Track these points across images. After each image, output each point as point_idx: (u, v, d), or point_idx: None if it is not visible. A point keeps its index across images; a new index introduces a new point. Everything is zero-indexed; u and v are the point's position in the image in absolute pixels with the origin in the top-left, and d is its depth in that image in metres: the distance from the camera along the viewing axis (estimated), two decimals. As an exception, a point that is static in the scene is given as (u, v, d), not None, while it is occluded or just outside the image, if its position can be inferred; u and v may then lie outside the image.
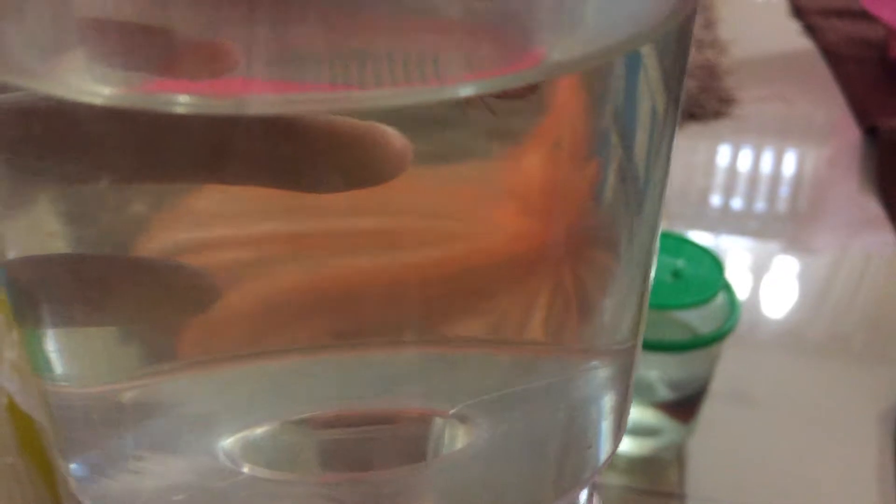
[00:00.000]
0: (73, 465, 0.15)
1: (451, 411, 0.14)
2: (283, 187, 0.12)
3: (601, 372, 0.16)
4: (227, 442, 0.14)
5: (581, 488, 0.17)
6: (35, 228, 0.13)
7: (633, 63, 0.13)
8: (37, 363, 0.14)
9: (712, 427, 0.52)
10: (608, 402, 0.17)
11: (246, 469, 0.14)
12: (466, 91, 0.12)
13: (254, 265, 0.13)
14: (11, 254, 0.13)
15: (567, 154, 0.13)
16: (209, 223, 0.12)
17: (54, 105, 0.11)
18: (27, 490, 0.36)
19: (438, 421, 0.14)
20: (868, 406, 0.56)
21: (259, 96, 0.11)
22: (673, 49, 0.14)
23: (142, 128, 0.11)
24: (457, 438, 0.15)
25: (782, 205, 0.81)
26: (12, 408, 0.36)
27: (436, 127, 0.12)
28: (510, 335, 0.14)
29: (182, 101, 0.11)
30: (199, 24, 0.11)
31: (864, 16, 1.11)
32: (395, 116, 0.12)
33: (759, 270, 0.71)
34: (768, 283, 0.69)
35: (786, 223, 0.77)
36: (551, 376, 0.15)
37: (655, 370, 0.48)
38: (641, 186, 0.14)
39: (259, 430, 0.14)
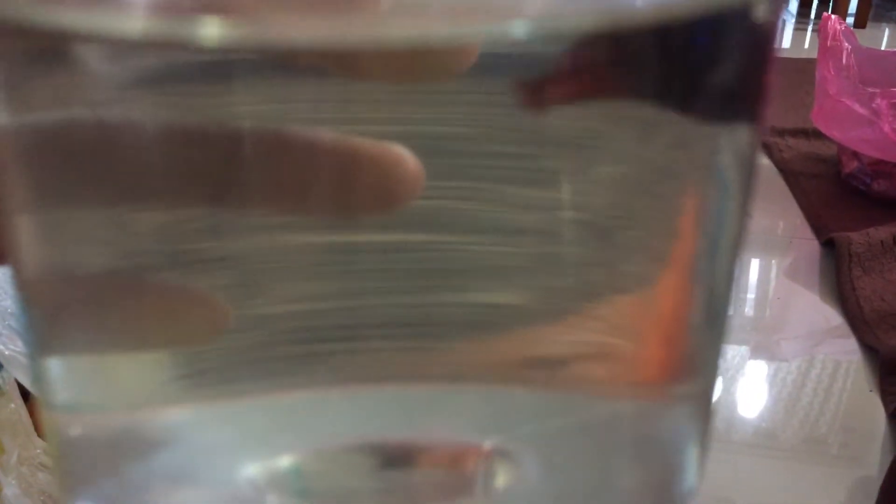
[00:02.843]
0: (81, 503, 0.14)
1: (495, 446, 0.14)
2: (302, 211, 0.12)
3: (687, 404, 0.15)
4: (252, 470, 0.14)
5: None
6: (61, 249, 0.13)
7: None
8: (50, 393, 0.14)
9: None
10: (692, 431, 0.16)
11: (271, 499, 0.14)
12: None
13: (293, 295, 0.13)
14: (36, 275, 0.13)
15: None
16: (232, 248, 0.12)
17: (85, 124, 0.12)
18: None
19: (482, 456, 0.14)
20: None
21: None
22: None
23: (167, 145, 0.12)
24: (505, 475, 0.14)
25: (751, 313, 0.83)
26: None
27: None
28: (586, 382, 0.14)
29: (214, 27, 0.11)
30: None
31: (816, 134, 1.17)
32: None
33: (732, 374, 0.72)
34: (742, 386, 0.70)
35: (754, 331, 0.79)
36: (628, 414, 0.15)
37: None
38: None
39: (285, 460, 0.14)
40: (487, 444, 0.14)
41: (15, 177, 0.13)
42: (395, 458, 0.14)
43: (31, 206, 0.13)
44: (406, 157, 0.12)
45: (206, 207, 0.12)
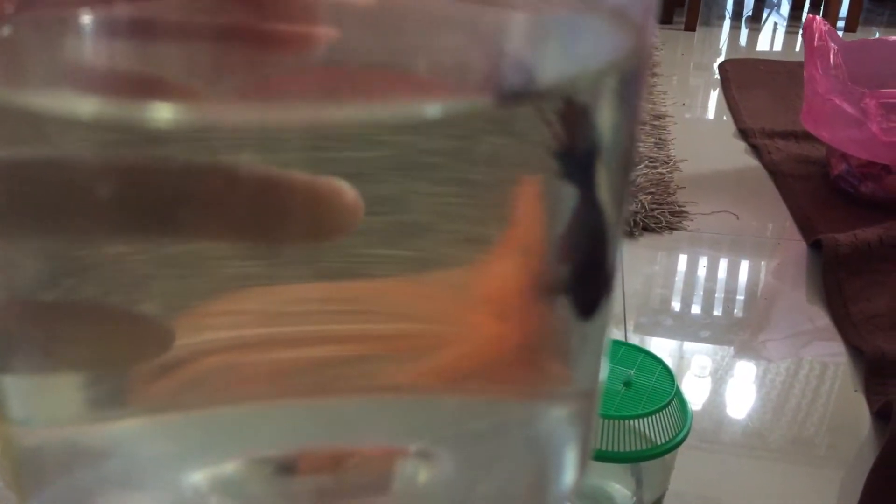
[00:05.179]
0: None
1: (414, 449, 0.15)
2: (240, 240, 0.12)
3: (565, 410, 0.17)
4: (195, 477, 0.14)
5: None
6: (10, 275, 0.14)
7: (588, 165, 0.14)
8: (4, 407, 0.15)
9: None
10: (573, 434, 0.17)
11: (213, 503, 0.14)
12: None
13: (221, 322, 0.13)
14: None
15: (532, 258, 0.14)
16: (170, 274, 0.13)
17: (32, 162, 0.12)
18: None
19: (401, 458, 0.15)
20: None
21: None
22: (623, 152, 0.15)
23: (107, 180, 0.12)
24: (420, 475, 0.15)
25: (738, 313, 0.83)
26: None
27: (416, 232, 0.13)
28: (476, 384, 0.15)
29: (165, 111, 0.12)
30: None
31: (805, 136, 1.17)
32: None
33: (720, 375, 0.72)
34: (730, 387, 0.70)
35: (741, 332, 0.79)
36: (514, 417, 0.16)
37: (612, 480, 0.49)
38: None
39: (225, 467, 0.14)
40: (411, 447, 0.15)
41: None
42: (329, 462, 0.15)
43: None
44: (344, 189, 0.12)
45: (147, 236, 0.13)
